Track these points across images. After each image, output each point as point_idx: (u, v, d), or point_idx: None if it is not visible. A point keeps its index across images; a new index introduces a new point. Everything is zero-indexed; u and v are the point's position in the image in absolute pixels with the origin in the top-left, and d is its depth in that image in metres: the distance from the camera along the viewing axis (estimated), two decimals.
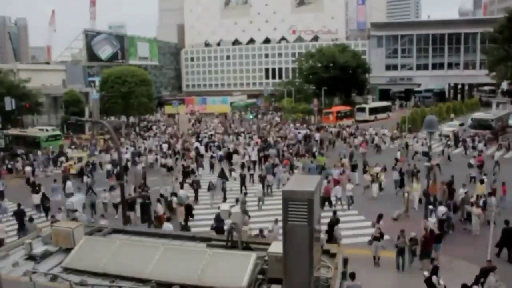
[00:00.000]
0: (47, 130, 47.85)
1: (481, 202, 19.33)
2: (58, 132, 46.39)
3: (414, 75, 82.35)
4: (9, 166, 34.72)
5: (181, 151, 36.97)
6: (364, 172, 26.90)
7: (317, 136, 41.99)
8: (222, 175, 27.06)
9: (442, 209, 18.74)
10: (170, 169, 30.21)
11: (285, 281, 5.77)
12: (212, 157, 33.73)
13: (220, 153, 35.17)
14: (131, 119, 66.40)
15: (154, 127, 58.58)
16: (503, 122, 46.08)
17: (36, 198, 23.40)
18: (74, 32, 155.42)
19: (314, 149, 35.74)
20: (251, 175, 28.79)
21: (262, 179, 25.82)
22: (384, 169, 26.37)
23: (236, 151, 34.80)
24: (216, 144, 39.89)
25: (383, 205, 21.65)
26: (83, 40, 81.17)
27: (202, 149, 37.53)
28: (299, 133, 43.89)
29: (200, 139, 43.30)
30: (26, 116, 55.57)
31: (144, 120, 67.42)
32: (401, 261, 15.43)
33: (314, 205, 5.52)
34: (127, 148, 38.16)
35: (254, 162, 31.75)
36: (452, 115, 54.89)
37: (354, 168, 28.22)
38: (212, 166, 32.10)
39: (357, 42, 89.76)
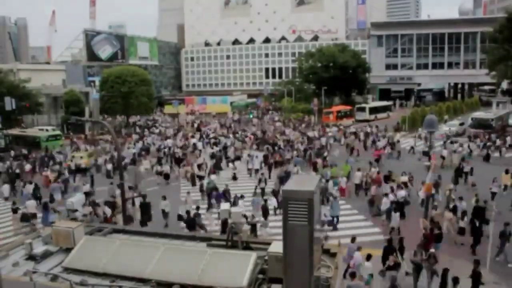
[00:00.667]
0: (47, 130, 47.87)
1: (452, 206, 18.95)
2: (58, 132, 46.39)
3: (414, 74, 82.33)
4: (17, 171, 31.29)
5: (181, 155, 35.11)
6: (387, 180, 23.87)
7: (323, 140, 38.87)
8: (217, 166, 29.68)
9: (401, 193, 20.72)
10: (166, 176, 28.89)
11: (285, 280, 5.77)
12: (219, 150, 36.11)
13: (217, 148, 37.21)
14: (138, 118, 67.19)
15: (157, 124, 59.07)
16: (503, 121, 46.03)
17: (29, 188, 24.96)
18: (74, 32, 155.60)
19: (325, 154, 32.54)
20: (262, 189, 24.44)
21: (275, 194, 22.10)
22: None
23: (238, 158, 32.60)
24: (213, 141, 40.95)
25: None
26: (83, 40, 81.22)
27: (199, 145, 39.02)
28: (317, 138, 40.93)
29: (201, 135, 45.27)
30: (26, 116, 55.60)
31: (149, 120, 67.55)
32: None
33: (314, 205, 5.53)
34: (134, 144, 40.11)
35: (256, 171, 28.85)
36: (446, 117, 52.06)
37: (386, 179, 24.05)
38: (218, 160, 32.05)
39: (357, 41, 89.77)
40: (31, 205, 21.25)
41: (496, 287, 13.58)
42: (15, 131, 45.46)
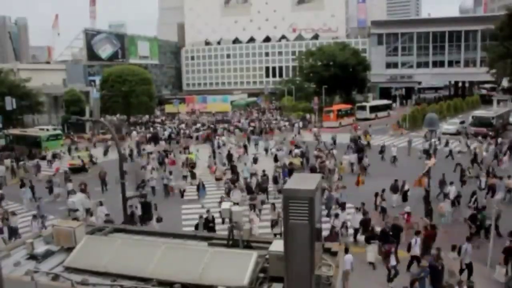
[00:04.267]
0: (47, 130, 47.91)
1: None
2: (58, 132, 46.38)
3: (414, 73, 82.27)
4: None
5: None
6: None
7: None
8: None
9: (453, 188, 20.25)
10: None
11: (286, 279, 5.78)
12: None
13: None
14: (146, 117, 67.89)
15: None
16: (504, 120, 45.89)
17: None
18: (74, 31, 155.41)
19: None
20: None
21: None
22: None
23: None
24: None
25: None
26: (83, 39, 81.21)
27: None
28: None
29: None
30: (27, 115, 55.60)
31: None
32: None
33: (315, 204, 5.53)
34: (164, 129, 49.43)
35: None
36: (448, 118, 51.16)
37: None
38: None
39: (357, 40, 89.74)
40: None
41: (498, 285, 13.58)
42: (16, 131, 45.43)
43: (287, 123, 52.67)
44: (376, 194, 20.18)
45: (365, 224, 17.18)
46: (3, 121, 45.65)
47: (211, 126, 51.98)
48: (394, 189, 21.66)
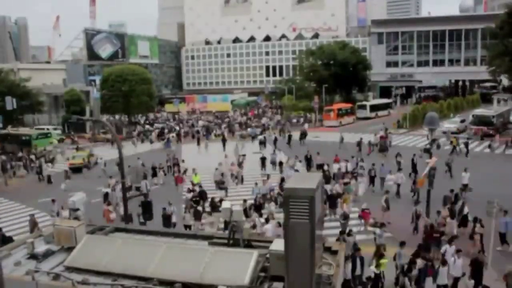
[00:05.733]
0: (47, 129, 48.02)
1: None
2: (48, 131, 46.58)
3: (415, 71, 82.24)
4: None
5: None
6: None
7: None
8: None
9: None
10: None
11: (287, 278, 5.77)
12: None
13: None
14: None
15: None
16: (504, 118, 45.88)
17: None
18: (74, 31, 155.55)
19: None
20: None
21: None
22: None
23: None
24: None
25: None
26: (84, 39, 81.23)
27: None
28: None
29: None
30: (27, 115, 55.62)
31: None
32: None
33: (315, 203, 5.52)
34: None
35: None
36: (451, 115, 51.29)
37: None
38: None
39: (357, 39, 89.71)
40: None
41: (498, 284, 13.56)
42: (8, 130, 45.51)
43: (268, 120, 55.19)
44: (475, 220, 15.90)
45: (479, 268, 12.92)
46: (4, 121, 45.72)
47: (211, 125, 53.42)
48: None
